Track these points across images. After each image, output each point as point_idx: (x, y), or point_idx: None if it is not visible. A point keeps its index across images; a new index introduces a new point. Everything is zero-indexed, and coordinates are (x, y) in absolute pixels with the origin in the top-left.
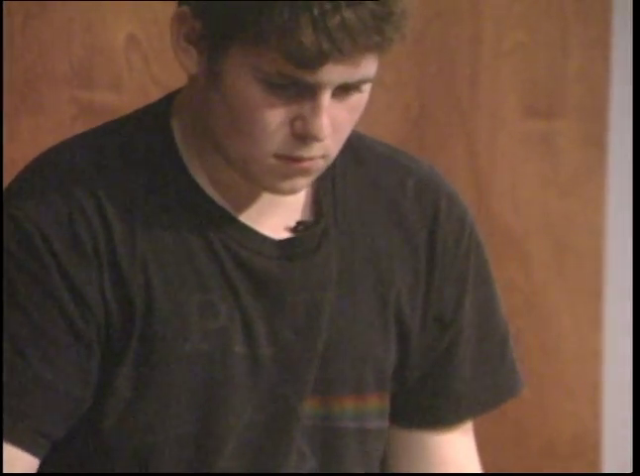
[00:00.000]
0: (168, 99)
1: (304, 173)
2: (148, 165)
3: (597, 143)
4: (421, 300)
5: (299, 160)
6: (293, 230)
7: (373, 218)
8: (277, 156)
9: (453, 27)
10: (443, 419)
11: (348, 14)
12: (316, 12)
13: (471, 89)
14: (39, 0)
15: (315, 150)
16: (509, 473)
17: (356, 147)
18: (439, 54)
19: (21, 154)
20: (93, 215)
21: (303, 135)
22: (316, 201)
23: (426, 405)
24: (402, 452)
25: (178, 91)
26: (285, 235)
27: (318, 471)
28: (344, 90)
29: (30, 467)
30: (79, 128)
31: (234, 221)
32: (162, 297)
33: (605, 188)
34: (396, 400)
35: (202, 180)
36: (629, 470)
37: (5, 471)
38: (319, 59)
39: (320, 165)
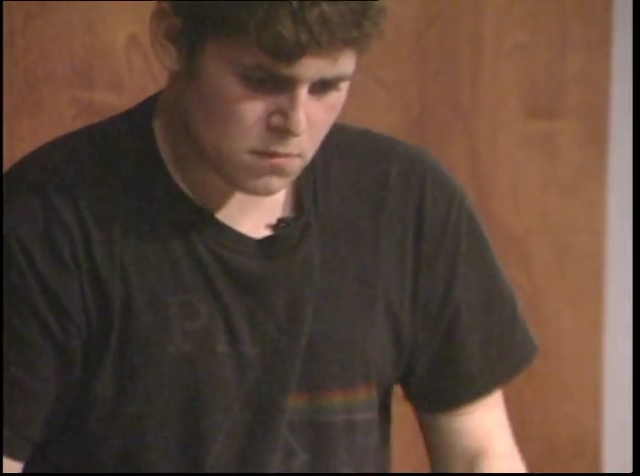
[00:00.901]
0: (152, 101)
1: (279, 171)
2: (128, 166)
3: (598, 143)
4: (410, 287)
5: (274, 155)
6: (274, 228)
7: (356, 211)
8: (253, 151)
9: (454, 27)
10: (460, 400)
11: (327, 8)
12: (295, 5)
13: (471, 89)
14: (39, 0)
15: (291, 146)
16: (509, 473)
17: (337, 140)
18: (440, 54)
19: (21, 154)
20: (71, 221)
21: (279, 129)
22: (297, 197)
23: (440, 388)
24: (434, 438)
25: (160, 93)
26: (266, 233)
27: (310, 466)
28: (321, 88)
29: (14, 470)
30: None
31: (214, 221)
32: (142, 299)
33: (606, 189)
34: (413, 387)
35: (183, 182)
36: (629, 470)
37: None
38: (297, 52)
39: (296, 164)
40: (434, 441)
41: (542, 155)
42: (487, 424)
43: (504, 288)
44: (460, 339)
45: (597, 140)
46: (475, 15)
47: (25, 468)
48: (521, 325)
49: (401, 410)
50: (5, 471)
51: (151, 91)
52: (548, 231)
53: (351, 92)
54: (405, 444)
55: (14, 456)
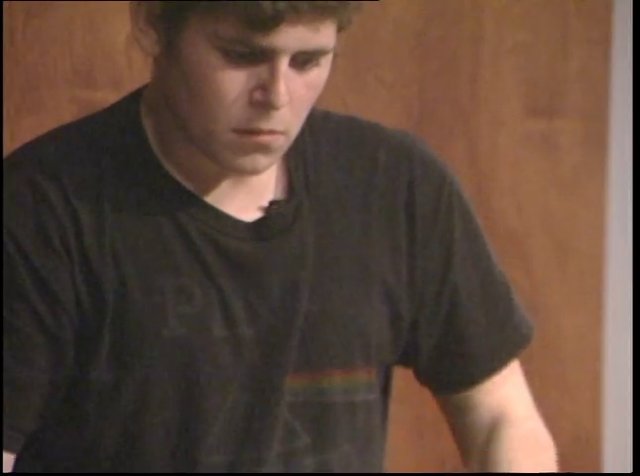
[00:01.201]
0: (140, 91)
1: (264, 149)
2: (116, 152)
3: (598, 142)
4: (405, 269)
5: (258, 132)
6: (267, 210)
7: (347, 193)
8: (236, 130)
9: (454, 26)
10: (471, 380)
11: None
12: None
13: (471, 88)
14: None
15: (274, 122)
16: (510, 473)
17: (324, 125)
18: (440, 53)
19: None
20: (61, 211)
21: (261, 103)
22: (288, 180)
23: (450, 370)
24: (453, 416)
25: (147, 84)
26: (258, 215)
27: (311, 447)
28: (302, 62)
29: (5, 462)
30: None
31: (204, 205)
32: (136, 285)
33: (606, 188)
34: (423, 371)
35: (172, 167)
36: (629, 470)
37: None
38: (275, 20)
39: (280, 141)
40: (454, 420)
41: (542, 154)
42: (504, 394)
43: (497, 268)
44: (461, 320)
45: (598, 139)
46: (475, 14)
47: (22, 458)
48: (516, 304)
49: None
50: None
51: None
52: (548, 230)
53: (351, 91)
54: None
55: (6, 448)
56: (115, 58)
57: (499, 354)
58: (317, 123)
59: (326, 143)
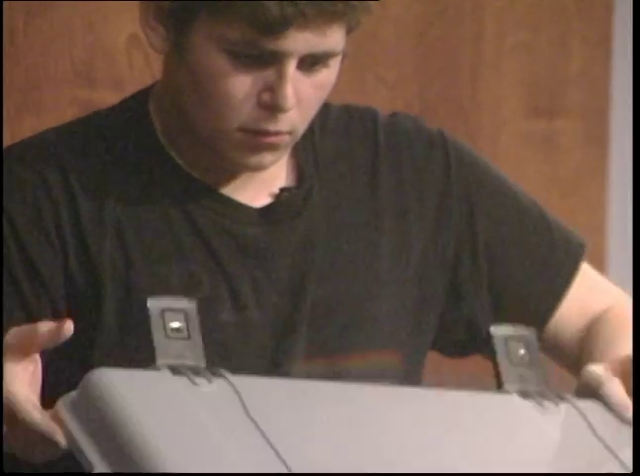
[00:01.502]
0: (149, 87)
1: (271, 148)
2: (122, 143)
3: (599, 142)
4: (433, 250)
5: (265, 134)
6: (277, 197)
7: (354, 177)
8: (243, 130)
9: (455, 26)
10: (541, 320)
11: None
12: None
13: (472, 88)
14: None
15: (281, 124)
16: (511, 473)
17: (326, 116)
18: (441, 52)
19: None
20: (59, 194)
21: (268, 105)
22: (298, 169)
23: (517, 320)
24: (546, 352)
25: (157, 81)
26: (268, 201)
27: None
28: (310, 64)
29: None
30: None
31: (214, 193)
32: (142, 271)
33: (606, 188)
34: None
35: (180, 160)
36: (629, 470)
37: None
38: (282, 25)
39: (286, 140)
40: (548, 354)
41: (543, 154)
42: (580, 308)
43: (529, 204)
44: (507, 272)
45: (598, 139)
46: (475, 14)
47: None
48: (558, 226)
49: None
50: None
51: None
52: None
53: (352, 90)
54: None
55: None
56: (115, 58)
57: (561, 279)
58: (321, 114)
59: (330, 133)
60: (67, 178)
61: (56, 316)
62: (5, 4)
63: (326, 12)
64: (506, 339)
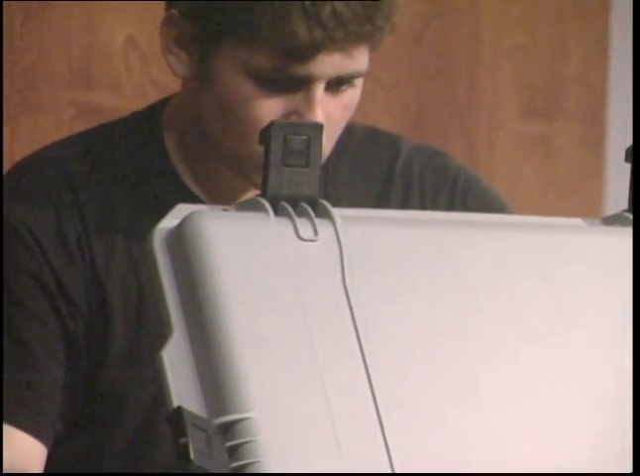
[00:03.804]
0: (162, 104)
1: None
2: (133, 160)
3: (596, 144)
4: None
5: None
6: None
7: (365, 202)
8: None
9: (452, 28)
10: None
11: (338, 3)
12: (307, 3)
13: (469, 90)
14: (38, 0)
15: None
16: (512, 473)
17: (348, 136)
18: (438, 54)
19: (20, 154)
20: (75, 215)
21: None
22: None
23: None
24: None
25: (168, 99)
26: None
27: None
28: (337, 85)
29: (43, 455)
30: (78, 128)
31: None
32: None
33: (604, 190)
34: None
35: (190, 180)
36: (629, 470)
37: (19, 458)
38: (311, 50)
39: None
40: None
41: (540, 156)
42: None
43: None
44: None
45: (595, 141)
46: (472, 16)
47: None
48: None
49: None
50: (31, 453)
51: (148, 92)
52: None
53: None
54: None
55: (41, 439)
56: (113, 59)
57: None
58: (344, 134)
59: (348, 154)
60: (78, 195)
61: (88, 333)
62: (3, 5)
63: (354, 34)
64: None
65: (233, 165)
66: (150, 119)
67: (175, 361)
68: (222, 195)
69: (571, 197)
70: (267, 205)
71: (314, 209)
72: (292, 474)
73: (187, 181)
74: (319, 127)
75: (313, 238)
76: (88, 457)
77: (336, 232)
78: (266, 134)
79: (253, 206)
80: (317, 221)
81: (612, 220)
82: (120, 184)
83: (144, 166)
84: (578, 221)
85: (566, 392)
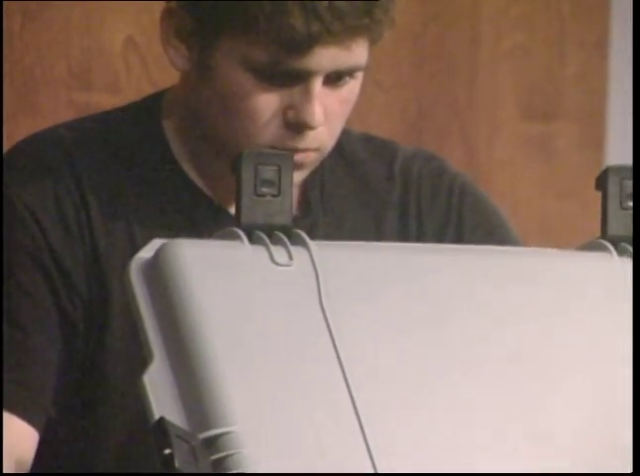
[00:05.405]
0: (157, 98)
1: (298, 166)
2: (133, 148)
3: (596, 145)
4: None
5: (293, 152)
6: None
7: (362, 207)
8: (271, 147)
9: (451, 28)
10: None
11: None
12: None
13: (469, 91)
14: (37, 0)
15: (308, 141)
16: (512, 473)
17: (344, 141)
18: (437, 55)
19: None
20: (76, 195)
21: (296, 124)
22: (304, 198)
23: None
24: None
25: (167, 90)
26: None
27: None
28: (335, 79)
29: (34, 439)
30: None
31: (223, 213)
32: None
33: None
34: None
35: (190, 171)
36: (629, 470)
37: (9, 441)
38: (309, 42)
39: (313, 158)
40: None
41: (539, 157)
42: None
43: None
44: None
45: (595, 142)
46: (472, 17)
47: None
48: None
49: None
50: (21, 437)
51: (148, 93)
52: (545, 233)
53: None
54: None
55: (32, 422)
56: (112, 60)
57: None
58: (339, 141)
59: (343, 160)
60: (80, 179)
61: (87, 317)
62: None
63: (351, 27)
64: None
65: (230, 156)
66: (148, 107)
67: (157, 384)
68: (222, 190)
69: (570, 198)
70: (242, 234)
71: (289, 238)
72: (283, 474)
73: (187, 170)
74: (289, 156)
75: (288, 263)
76: (84, 444)
77: (311, 257)
78: (236, 164)
79: (228, 236)
80: (292, 248)
81: (588, 247)
82: (120, 168)
83: (144, 152)
84: (554, 250)
85: (546, 406)
